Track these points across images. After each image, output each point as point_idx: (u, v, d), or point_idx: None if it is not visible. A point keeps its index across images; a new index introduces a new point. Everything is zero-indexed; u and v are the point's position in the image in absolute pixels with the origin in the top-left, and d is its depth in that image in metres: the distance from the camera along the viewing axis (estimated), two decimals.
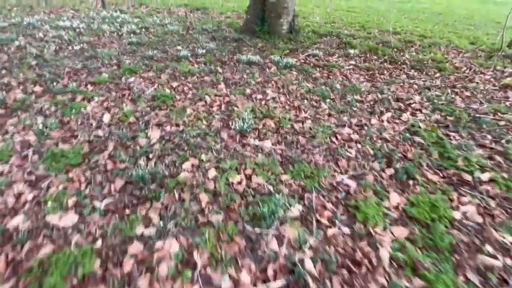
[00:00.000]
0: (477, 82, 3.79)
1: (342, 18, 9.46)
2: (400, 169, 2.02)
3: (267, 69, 3.90)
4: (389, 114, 2.84)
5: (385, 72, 4.03)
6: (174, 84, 3.26)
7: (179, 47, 4.69)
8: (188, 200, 1.69)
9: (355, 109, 2.93)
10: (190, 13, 8.36)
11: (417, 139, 2.42)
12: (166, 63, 3.93)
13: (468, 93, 3.44)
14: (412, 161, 2.14)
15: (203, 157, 2.06)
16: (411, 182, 1.94)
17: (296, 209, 1.67)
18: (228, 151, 2.17)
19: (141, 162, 1.98)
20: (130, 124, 2.47)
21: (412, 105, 3.03)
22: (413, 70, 4.11)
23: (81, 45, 4.47)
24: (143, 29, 5.68)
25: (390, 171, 2.04)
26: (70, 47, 4.30)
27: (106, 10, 7.81)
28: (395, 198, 1.78)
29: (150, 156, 2.06)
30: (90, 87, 3.08)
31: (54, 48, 4.22)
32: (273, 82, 3.47)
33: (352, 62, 4.35)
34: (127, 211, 1.60)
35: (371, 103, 3.07)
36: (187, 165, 1.98)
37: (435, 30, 8.28)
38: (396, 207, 1.72)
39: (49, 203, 1.61)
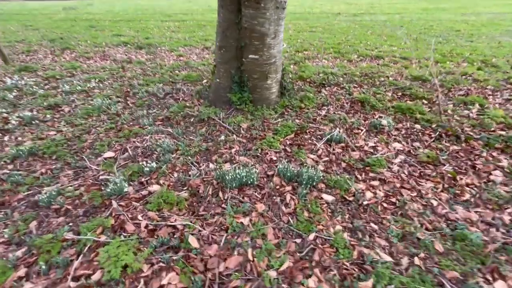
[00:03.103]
0: None
1: (311, 43, 7.91)
2: None
3: (278, 201, 1.97)
4: None
5: (462, 164, 2.35)
6: None
7: (108, 154, 2.53)
8: None
9: None
10: (130, 58, 6.07)
11: None
12: (73, 230, 1.78)
13: None
14: None
15: None
16: None
17: None
18: None
19: None
20: None
21: None
22: (496, 152, 2.49)
23: None
24: (50, 112, 3.36)
25: None
26: None
27: (8, 66, 5.23)
28: None
29: None
30: None
31: None
32: (314, 270, 1.54)
33: (398, 145, 2.61)
34: None
35: None
36: None
37: (411, 47, 7.10)
38: None
39: None
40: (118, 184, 2.04)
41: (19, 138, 2.77)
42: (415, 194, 2.05)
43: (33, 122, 3.08)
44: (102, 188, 2.08)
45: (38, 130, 2.96)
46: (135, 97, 3.82)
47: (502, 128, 2.80)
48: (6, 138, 2.81)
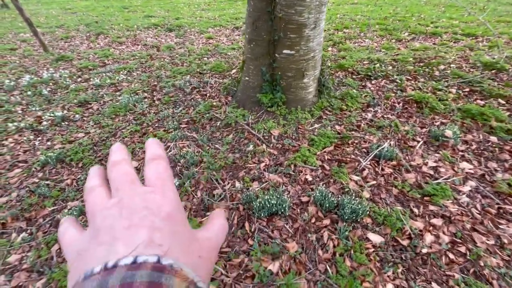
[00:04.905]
0: None
1: (352, 18, 6.93)
2: None
3: (314, 240, 1.64)
4: None
5: None
6: None
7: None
8: None
9: None
10: (159, 43, 5.83)
11: None
12: None
13: None
14: None
15: None
16: None
17: None
18: None
19: None
20: None
21: None
22: None
23: None
24: (80, 110, 3.27)
25: None
26: None
27: (47, 54, 5.31)
28: None
29: None
30: None
31: None
32: None
33: (467, 166, 2.05)
34: None
35: None
36: None
37: (477, 21, 5.81)
38: None
39: None
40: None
41: (48, 143, 2.72)
42: (492, 242, 1.58)
43: (63, 123, 3.02)
44: None
45: (67, 131, 2.89)
46: (161, 91, 3.60)
47: None
48: (37, 140, 2.78)
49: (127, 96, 3.40)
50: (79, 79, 4.17)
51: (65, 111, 3.24)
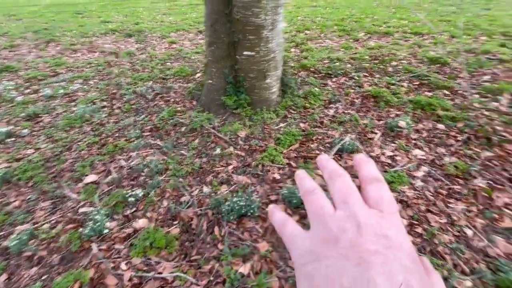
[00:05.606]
0: None
1: (313, 20, 7.21)
2: None
3: None
4: None
5: (497, 177, 1.97)
6: None
7: (89, 178, 2.21)
8: None
9: None
10: (118, 49, 5.56)
11: None
12: (47, 286, 1.50)
13: None
14: None
15: None
16: None
17: None
18: None
19: None
20: None
21: None
22: None
23: None
24: (28, 124, 2.99)
25: None
26: None
27: None
28: None
29: None
30: None
31: None
32: None
33: (419, 153, 2.22)
34: None
35: None
36: None
37: (421, 21, 6.38)
38: None
39: None
40: (98, 223, 1.74)
41: None
42: (444, 220, 1.72)
43: (9, 140, 2.74)
44: (81, 228, 1.78)
45: (14, 148, 2.63)
46: (122, 99, 3.42)
47: None
48: None
49: (83, 106, 3.18)
50: (26, 91, 3.83)
51: (11, 127, 2.94)
